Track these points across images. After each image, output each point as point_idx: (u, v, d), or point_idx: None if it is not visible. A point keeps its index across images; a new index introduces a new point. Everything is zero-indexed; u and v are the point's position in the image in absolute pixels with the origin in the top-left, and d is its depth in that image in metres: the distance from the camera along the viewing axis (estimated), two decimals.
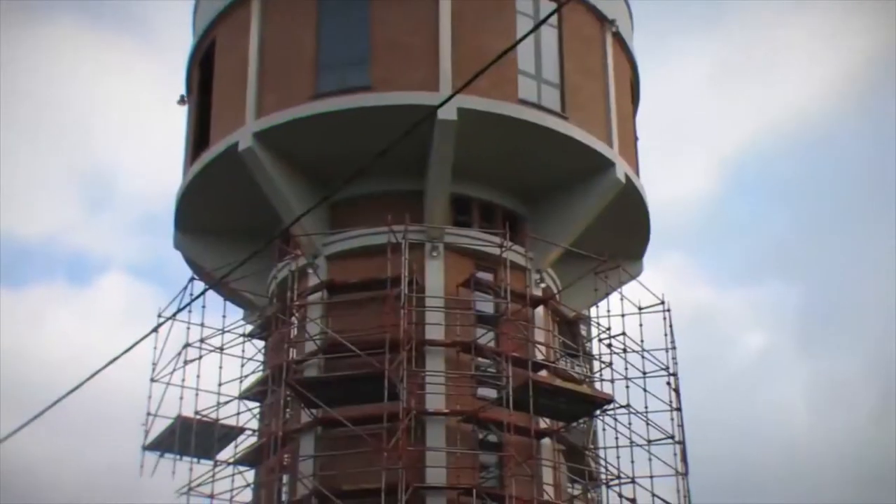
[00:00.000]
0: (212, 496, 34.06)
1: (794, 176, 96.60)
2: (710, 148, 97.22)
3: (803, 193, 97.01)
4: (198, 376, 34.85)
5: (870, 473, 74.97)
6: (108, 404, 66.13)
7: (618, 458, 34.05)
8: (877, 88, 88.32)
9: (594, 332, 37.79)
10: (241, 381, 35.87)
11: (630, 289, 36.76)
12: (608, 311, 36.35)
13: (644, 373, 35.49)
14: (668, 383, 35.72)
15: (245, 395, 35.99)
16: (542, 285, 35.99)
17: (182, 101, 40.42)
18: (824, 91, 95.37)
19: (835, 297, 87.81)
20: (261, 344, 37.20)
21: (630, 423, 34.28)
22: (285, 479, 33.07)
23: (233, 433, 36.07)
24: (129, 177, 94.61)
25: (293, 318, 34.07)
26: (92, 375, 15.60)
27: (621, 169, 36.16)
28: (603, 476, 35.24)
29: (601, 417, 34.54)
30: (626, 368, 35.21)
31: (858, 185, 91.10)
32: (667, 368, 35.74)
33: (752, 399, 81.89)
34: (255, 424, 36.54)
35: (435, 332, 33.08)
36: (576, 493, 35.56)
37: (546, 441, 33.65)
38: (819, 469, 75.68)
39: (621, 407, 34.35)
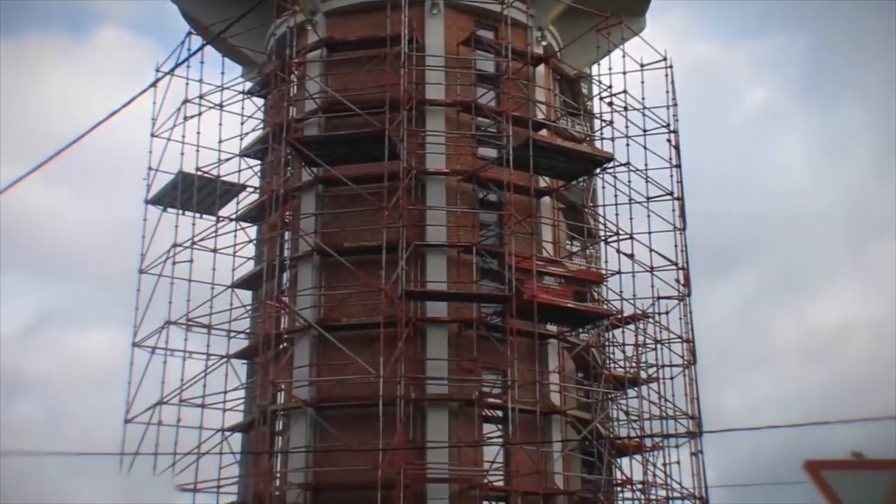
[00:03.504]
0: (214, 251, 34.63)
1: None
2: None
3: None
4: (198, 133, 35.00)
5: (868, 227, 76.01)
6: (109, 159, 66.38)
7: (616, 215, 34.50)
8: None
9: (595, 90, 37.64)
10: (241, 139, 36.02)
11: (632, 45, 36.49)
12: (609, 68, 36.16)
13: (644, 130, 35.55)
14: (669, 140, 35.80)
15: (245, 153, 36.12)
16: (544, 43, 35.53)
17: None
18: None
19: (838, 50, 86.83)
20: (260, 102, 37.05)
21: (629, 181, 34.60)
22: (287, 236, 33.47)
23: (234, 190, 36.37)
24: None
25: (292, 76, 33.80)
26: (92, 128, 15.43)
27: None
28: (602, 233, 35.71)
29: (601, 175, 34.75)
30: (627, 126, 35.31)
31: None
32: (667, 125, 35.76)
33: (752, 155, 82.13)
34: (256, 182, 36.80)
35: (435, 91, 32.87)
36: (574, 249, 36.09)
37: (545, 199, 33.93)
38: (818, 223, 76.55)
39: (621, 165, 34.54)
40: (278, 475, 30.59)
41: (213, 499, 32.39)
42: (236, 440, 33.86)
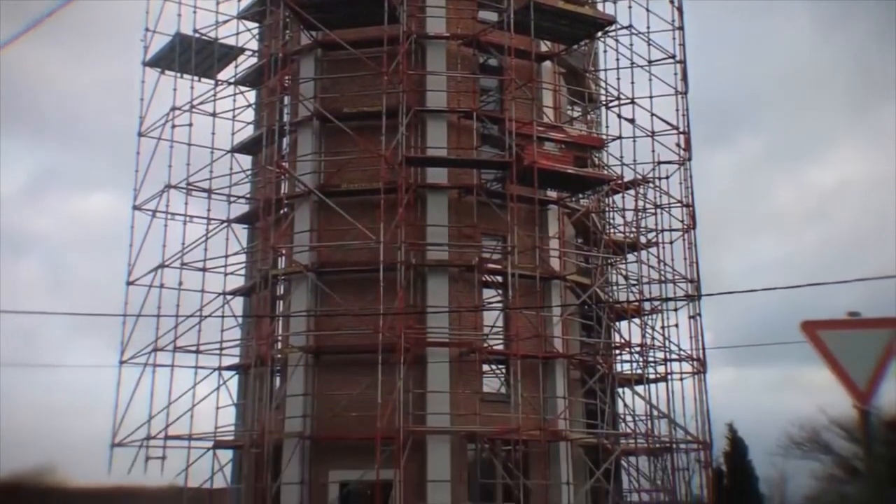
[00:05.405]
0: (213, 115, 34.44)
1: None
2: None
3: None
4: None
5: (871, 89, 75.62)
6: (106, 20, 65.61)
7: (618, 79, 34.28)
8: None
9: None
10: (238, 0, 35.52)
11: None
12: None
13: None
14: (671, 1, 35.32)
15: (243, 15, 35.65)
16: None
17: None
18: None
19: None
20: None
21: (631, 44, 34.27)
22: (286, 100, 33.23)
23: (232, 53, 35.99)
24: None
25: None
26: None
27: None
28: (603, 98, 35.45)
29: (602, 39, 34.39)
30: None
31: None
32: None
33: (756, 16, 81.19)
34: (254, 45, 36.40)
35: None
36: (575, 115, 35.85)
37: (546, 64, 33.59)
38: (821, 86, 76.16)
39: (623, 28, 34.13)
40: (279, 339, 30.89)
41: (216, 361, 32.82)
42: (238, 304, 34.19)
